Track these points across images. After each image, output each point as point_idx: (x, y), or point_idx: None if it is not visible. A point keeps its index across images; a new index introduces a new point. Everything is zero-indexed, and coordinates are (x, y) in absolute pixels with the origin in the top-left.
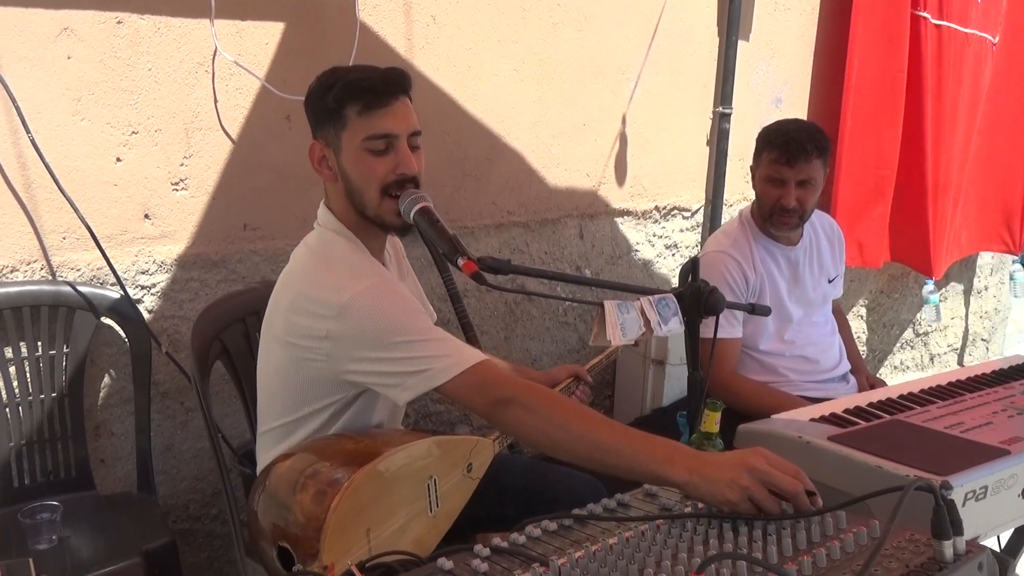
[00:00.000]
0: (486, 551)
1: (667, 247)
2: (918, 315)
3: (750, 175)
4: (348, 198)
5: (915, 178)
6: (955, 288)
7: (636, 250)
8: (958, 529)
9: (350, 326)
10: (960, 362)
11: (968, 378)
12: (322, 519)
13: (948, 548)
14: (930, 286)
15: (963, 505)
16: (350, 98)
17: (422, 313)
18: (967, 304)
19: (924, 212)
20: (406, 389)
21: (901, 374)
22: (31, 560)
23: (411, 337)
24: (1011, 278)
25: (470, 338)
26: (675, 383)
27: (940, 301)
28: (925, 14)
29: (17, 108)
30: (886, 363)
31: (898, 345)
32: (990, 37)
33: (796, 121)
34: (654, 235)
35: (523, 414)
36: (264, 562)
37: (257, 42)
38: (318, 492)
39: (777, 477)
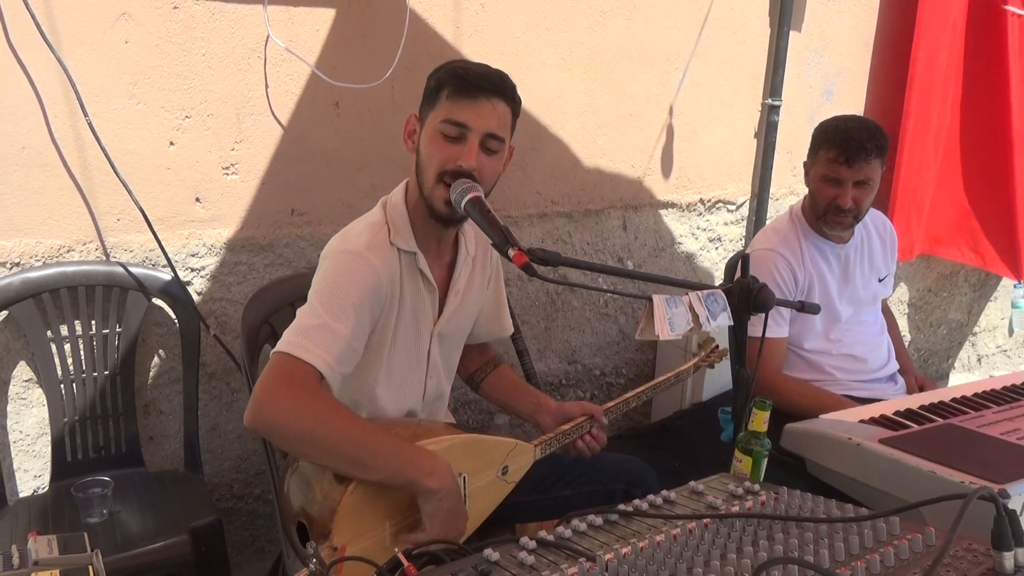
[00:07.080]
0: (532, 543)
1: (711, 240)
2: (1004, 318)
3: (803, 171)
4: (416, 173)
5: (998, 175)
6: (1005, 287)
7: (679, 243)
8: (1020, 540)
9: (318, 273)
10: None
11: None
12: (337, 500)
13: (1009, 560)
14: (1020, 290)
15: (1020, 513)
16: (446, 82)
17: (356, 304)
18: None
19: (1013, 212)
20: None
21: (947, 375)
22: (86, 535)
23: (319, 309)
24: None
25: None
26: (715, 377)
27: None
28: (1012, 8)
29: (76, 91)
30: (932, 363)
31: (945, 345)
32: None
33: (855, 118)
34: (698, 228)
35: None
36: (291, 541)
37: (308, 28)
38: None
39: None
